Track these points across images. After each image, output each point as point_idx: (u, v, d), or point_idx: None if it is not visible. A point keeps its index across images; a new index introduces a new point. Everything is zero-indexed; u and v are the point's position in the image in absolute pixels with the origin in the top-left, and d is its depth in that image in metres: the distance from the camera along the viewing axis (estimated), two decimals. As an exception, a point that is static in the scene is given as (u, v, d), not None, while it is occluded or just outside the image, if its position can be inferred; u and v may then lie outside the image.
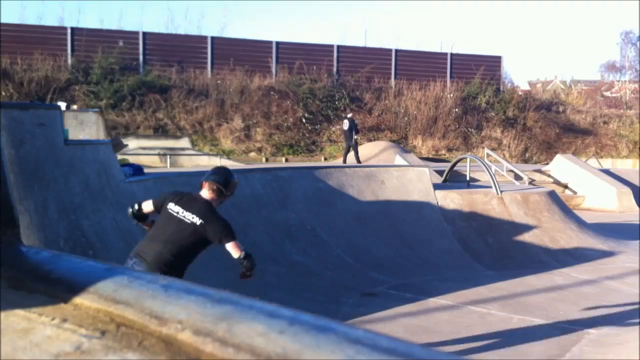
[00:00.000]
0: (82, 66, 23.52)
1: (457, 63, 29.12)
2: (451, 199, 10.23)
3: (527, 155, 27.36)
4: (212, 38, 26.29)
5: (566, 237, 10.11)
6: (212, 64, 25.73)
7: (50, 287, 1.38)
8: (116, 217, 6.50)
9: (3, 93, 21.22)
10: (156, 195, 4.71)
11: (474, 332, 5.95)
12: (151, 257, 4.16)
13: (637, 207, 16.15)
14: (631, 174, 18.76)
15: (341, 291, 7.33)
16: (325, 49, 27.49)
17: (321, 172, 9.95)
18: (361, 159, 18.56)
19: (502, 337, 5.81)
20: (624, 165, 24.96)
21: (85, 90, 22.96)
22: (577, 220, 10.97)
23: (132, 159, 12.51)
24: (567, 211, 11.18)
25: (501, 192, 10.46)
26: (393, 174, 10.48)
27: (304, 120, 25.33)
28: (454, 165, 12.65)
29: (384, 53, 28.34)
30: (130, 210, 4.60)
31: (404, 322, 6.19)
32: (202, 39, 26.29)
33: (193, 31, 29.64)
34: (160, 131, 22.64)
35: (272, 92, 25.40)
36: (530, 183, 14.65)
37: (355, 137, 18.58)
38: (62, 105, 13.72)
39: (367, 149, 21.33)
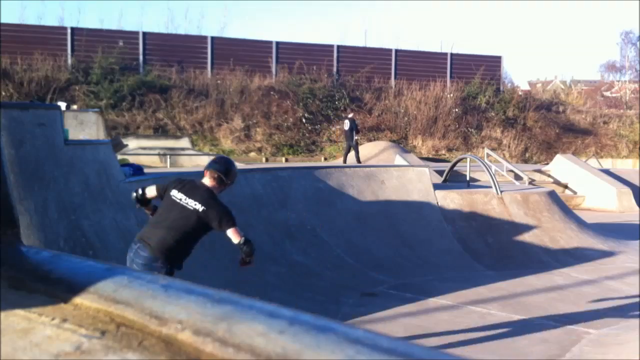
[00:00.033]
0: (82, 66, 23.52)
1: (457, 63, 29.13)
2: (451, 199, 10.23)
3: (527, 155, 27.37)
4: (212, 38, 26.29)
5: (566, 237, 10.11)
6: (212, 64, 25.73)
7: (50, 287, 1.38)
8: (116, 217, 6.50)
9: (3, 93, 21.22)
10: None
11: (473, 332, 5.95)
12: (155, 242, 4.30)
13: (637, 207, 16.15)
14: (631, 174, 18.76)
15: (341, 291, 7.33)
16: (325, 49, 27.49)
17: (321, 172, 9.95)
18: (361, 159, 18.56)
19: (502, 337, 5.81)
20: (624, 165, 24.96)
21: (85, 90, 22.96)
22: (577, 220, 10.97)
23: (132, 159, 12.51)
24: (567, 211, 11.18)
25: (501, 192, 10.46)
26: (393, 174, 10.48)
27: (304, 120, 25.33)
28: (454, 165, 12.65)
29: (384, 53, 28.34)
30: (134, 194, 4.73)
31: (404, 322, 6.19)
32: (202, 39, 26.29)
33: (193, 31, 29.68)
34: (160, 131, 22.64)
35: (272, 92, 25.40)
36: (530, 183, 14.65)
37: (356, 137, 18.57)
38: (62, 105, 13.72)
39: (367, 149, 21.33)
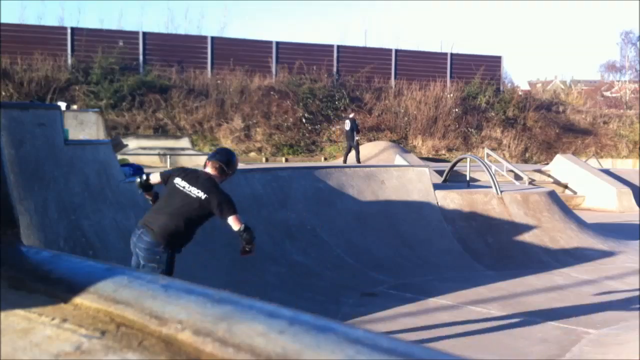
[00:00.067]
0: (82, 66, 23.52)
1: (457, 63, 29.12)
2: (451, 199, 10.23)
3: (527, 155, 27.37)
4: (212, 38, 26.29)
5: (566, 237, 10.11)
6: (212, 64, 25.73)
7: (50, 287, 1.38)
8: (116, 217, 6.50)
9: (3, 93, 21.22)
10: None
11: (473, 332, 5.95)
12: (158, 228, 4.49)
13: (637, 207, 16.14)
14: (631, 174, 18.75)
15: (341, 291, 7.33)
16: (325, 49, 27.49)
17: (321, 172, 9.95)
18: (361, 159, 18.56)
19: (502, 337, 5.81)
20: (624, 165, 24.95)
21: (85, 90, 22.96)
22: (577, 220, 10.97)
23: (132, 159, 12.52)
24: (567, 211, 11.18)
25: (501, 192, 10.46)
26: (393, 174, 10.48)
27: (304, 120, 25.33)
28: (454, 165, 12.64)
29: (384, 53, 28.33)
30: (138, 180, 4.91)
31: (404, 322, 6.18)
32: (202, 39, 26.29)
33: (193, 31, 29.65)
34: (160, 131, 22.63)
35: (272, 92, 25.40)
36: (530, 183, 14.65)
37: (357, 137, 18.56)
38: (62, 105, 13.74)
39: (367, 149, 21.33)
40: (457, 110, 27.31)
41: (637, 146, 28.83)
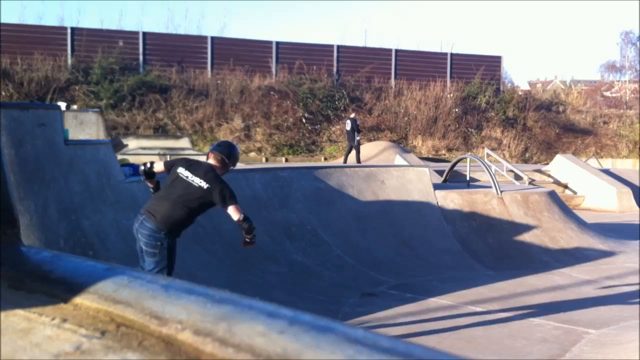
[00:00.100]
0: (82, 66, 23.51)
1: (457, 63, 29.12)
2: (451, 199, 10.23)
3: (527, 155, 27.36)
4: (212, 38, 26.28)
5: (566, 237, 10.11)
6: (212, 64, 25.73)
7: (50, 287, 1.38)
8: (116, 217, 6.50)
9: (3, 93, 21.22)
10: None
11: (474, 332, 5.95)
12: (160, 214, 4.69)
13: (637, 207, 16.14)
14: (631, 174, 18.75)
15: (341, 291, 7.33)
16: (325, 49, 27.48)
17: (321, 172, 9.95)
18: (361, 159, 18.55)
19: (502, 337, 5.81)
20: (624, 165, 24.94)
21: (85, 90, 22.96)
22: (577, 220, 10.97)
23: (132, 159, 12.50)
24: (567, 211, 11.17)
25: (501, 192, 10.46)
26: (393, 174, 10.48)
27: (304, 120, 25.32)
28: (454, 165, 12.64)
29: (384, 53, 28.33)
30: (143, 167, 5.08)
31: (404, 322, 6.18)
32: (202, 39, 26.28)
33: (193, 31, 29.61)
34: (160, 131, 22.63)
35: (272, 92, 25.40)
36: (530, 183, 14.65)
37: (358, 137, 18.54)
38: (62, 105, 13.73)
39: (367, 149, 21.33)
40: (457, 110, 27.31)
41: (637, 146, 28.83)
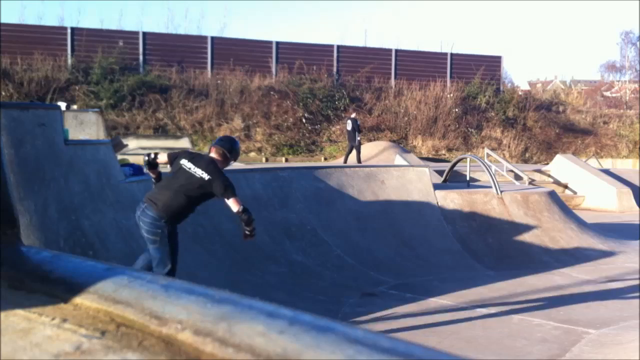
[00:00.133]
0: (82, 66, 23.50)
1: (457, 63, 29.11)
2: (451, 199, 10.23)
3: (527, 155, 27.36)
4: (212, 38, 26.27)
5: (566, 237, 10.11)
6: (212, 64, 25.72)
7: (50, 287, 1.38)
8: (116, 217, 6.50)
9: (3, 93, 21.21)
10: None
11: (473, 332, 5.94)
12: (162, 203, 4.92)
13: (637, 207, 16.14)
14: (631, 174, 18.74)
15: (341, 291, 7.33)
16: (325, 49, 27.47)
17: (321, 172, 9.95)
18: (361, 158, 18.54)
19: (502, 337, 5.81)
20: (624, 165, 24.94)
21: (85, 90, 22.95)
22: (577, 220, 10.97)
23: (132, 159, 12.49)
24: (567, 211, 11.17)
25: (501, 192, 10.46)
26: (393, 174, 10.48)
27: (304, 120, 25.32)
28: (454, 165, 12.64)
29: (384, 53, 28.32)
30: (146, 158, 5.33)
31: (404, 322, 6.18)
32: (202, 39, 26.27)
33: (193, 31, 29.60)
34: (160, 131, 22.63)
35: (272, 92, 25.39)
36: (530, 183, 14.65)
37: (358, 137, 18.53)
38: (62, 105, 13.73)
39: (367, 149, 21.32)
40: (457, 110, 27.30)
41: (637, 146, 28.82)
